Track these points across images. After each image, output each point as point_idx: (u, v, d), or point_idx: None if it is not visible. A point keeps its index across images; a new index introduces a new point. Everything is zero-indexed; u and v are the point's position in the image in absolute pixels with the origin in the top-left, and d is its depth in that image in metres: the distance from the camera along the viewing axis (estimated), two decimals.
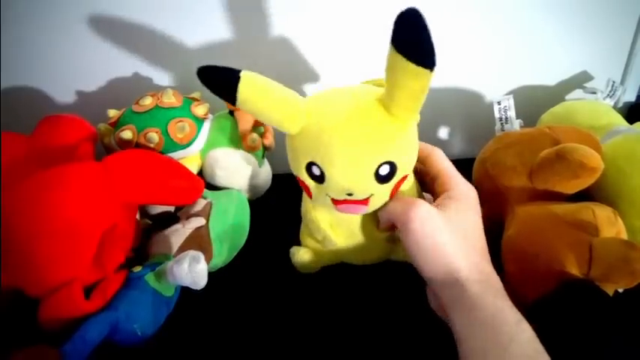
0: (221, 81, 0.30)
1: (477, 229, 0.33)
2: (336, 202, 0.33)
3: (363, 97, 0.31)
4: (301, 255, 0.41)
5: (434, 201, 0.35)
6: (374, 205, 0.34)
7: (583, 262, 0.33)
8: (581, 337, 0.32)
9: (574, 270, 0.33)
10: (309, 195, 0.35)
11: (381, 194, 0.33)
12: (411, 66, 0.26)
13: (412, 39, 0.26)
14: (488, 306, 0.29)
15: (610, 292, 0.34)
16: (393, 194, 0.34)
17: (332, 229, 0.39)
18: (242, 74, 0.30)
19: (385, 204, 0.34)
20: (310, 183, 0.33)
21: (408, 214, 0.32)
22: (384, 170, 0.31)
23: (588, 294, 0.33)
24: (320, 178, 0.32)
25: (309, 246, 0.42)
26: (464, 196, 0.34)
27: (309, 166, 0.32)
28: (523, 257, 0.36)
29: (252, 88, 0.30)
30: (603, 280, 0.33)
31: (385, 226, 0.36)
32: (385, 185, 0.32)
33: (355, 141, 0.30)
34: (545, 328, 0.33)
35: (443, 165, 0.36)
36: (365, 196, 0.33)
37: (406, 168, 0.33)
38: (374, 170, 0.31)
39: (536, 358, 0.27)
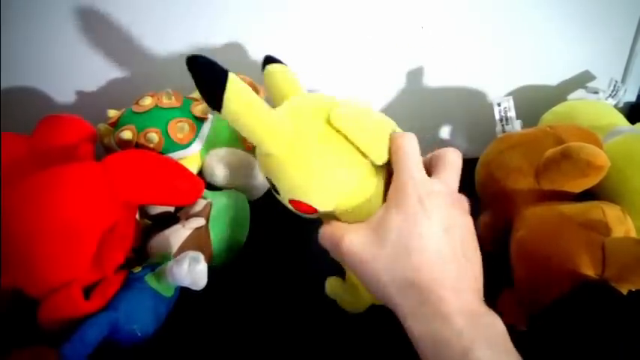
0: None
1: (408, 237, 0.29)
2: None
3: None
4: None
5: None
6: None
7: (597, 262, 0.32)
8: (600, 339, 0.32)
9: (588, 271, 0.33)
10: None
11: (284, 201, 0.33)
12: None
13: (197, 86, 0.27)
14: (425, 337, 0.27)
15: (624, 291, 0.33)
16: (297, 209, 0.33)
17: None
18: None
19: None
20: None
21: (336, 248, 0.31)
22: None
23: (606, 296, 0.32)
24: None
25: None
26: (380, 216, 0.30)
27: None
28: (535, 260, 0.35)
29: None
30: (618, 280, 0.32)
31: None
32: (278, 196, 0.33)
33: None
34: (564, 329, 0.33)
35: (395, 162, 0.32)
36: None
37: (294, 194, 0.31)
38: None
39: None
